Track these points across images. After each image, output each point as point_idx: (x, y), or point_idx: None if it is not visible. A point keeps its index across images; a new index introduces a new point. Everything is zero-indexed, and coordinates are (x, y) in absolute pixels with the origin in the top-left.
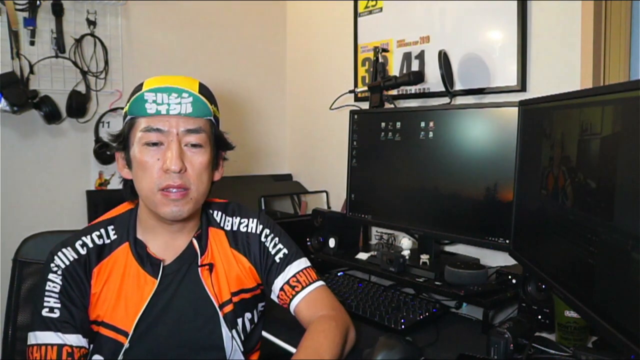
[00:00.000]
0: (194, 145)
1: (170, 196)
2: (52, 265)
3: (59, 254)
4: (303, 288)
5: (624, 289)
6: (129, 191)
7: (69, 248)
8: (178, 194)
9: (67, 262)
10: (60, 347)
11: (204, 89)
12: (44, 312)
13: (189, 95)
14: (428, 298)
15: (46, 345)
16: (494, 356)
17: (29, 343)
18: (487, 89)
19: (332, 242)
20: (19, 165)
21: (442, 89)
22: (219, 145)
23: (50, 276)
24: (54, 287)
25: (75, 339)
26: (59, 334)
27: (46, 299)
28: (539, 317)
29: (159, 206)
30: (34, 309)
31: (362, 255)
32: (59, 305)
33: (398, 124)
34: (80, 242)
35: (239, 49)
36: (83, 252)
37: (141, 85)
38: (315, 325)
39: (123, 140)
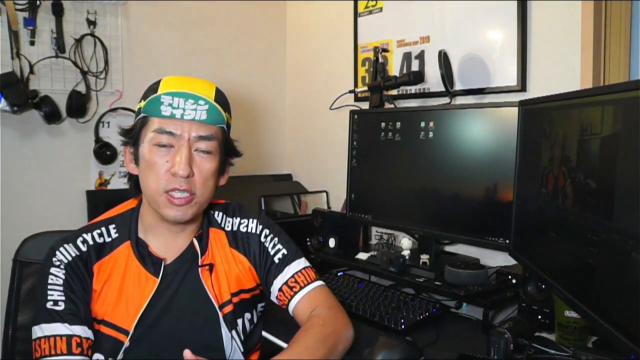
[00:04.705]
0: (203, 152)
1: (175, 201)
2: (54, 259)
3: (61, 249)
4: (301, 288)
5: (624, 289)
6: (134, 186)
7: (70, 244)
8: (183, 199)
9: (70, 258)
10: (70, 337)
11: (220, 96)
12: (49, 305)
13: (205, 102)
14: (428, 298)
15: (55, 336)
16: (494, 356)
17: (35, 337)
18: (487, 89)
19: (332, 242)
20: (19, 165)
21: (442, 89)
22: (227, 151)
23: (53, 270)
24: (57, 280)
25: (82, 330)
26: (67, 324)
27: (50, 292)
28: (539, 317)
29: (162, 208)
30: (38, 303)
31: (362, 255)
32: (63, 298)
33: (398, 124)
34: (81, 239)
35: (238, 49)
36: (84, 248)
37: (158, 83)
38: (304, 326)
39: (134, 135)
